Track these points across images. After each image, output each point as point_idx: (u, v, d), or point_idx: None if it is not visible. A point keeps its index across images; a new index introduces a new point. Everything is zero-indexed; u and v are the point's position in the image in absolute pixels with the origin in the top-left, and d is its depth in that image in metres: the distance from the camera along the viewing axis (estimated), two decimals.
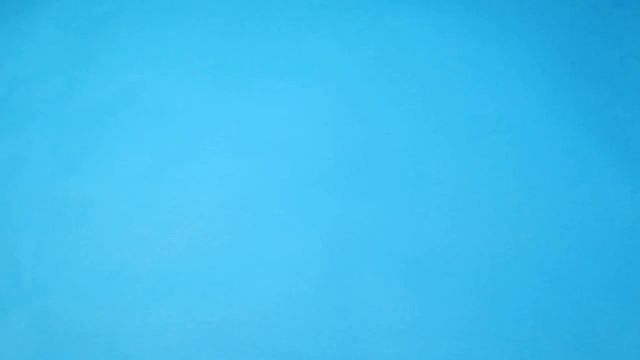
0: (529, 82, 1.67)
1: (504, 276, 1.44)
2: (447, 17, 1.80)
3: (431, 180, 1.57)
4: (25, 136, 1.77)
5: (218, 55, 1.83)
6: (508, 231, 1.49)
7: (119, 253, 1.57)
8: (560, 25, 1.74)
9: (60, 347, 1.46)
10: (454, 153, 1.60)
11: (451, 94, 1.68)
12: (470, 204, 1.53)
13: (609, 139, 1.57)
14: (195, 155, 1.68)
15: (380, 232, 1.52)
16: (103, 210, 1.63)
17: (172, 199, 1.63)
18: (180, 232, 1.58)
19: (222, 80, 1.79)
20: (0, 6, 2.02)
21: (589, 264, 1.44)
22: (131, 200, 1.64)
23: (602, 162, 1.54)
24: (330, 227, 1.54)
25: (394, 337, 1.40)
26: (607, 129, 1.58)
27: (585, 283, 1.42)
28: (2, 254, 1.60)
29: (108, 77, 1.83)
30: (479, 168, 1.57)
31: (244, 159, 1.66)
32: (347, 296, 1.46)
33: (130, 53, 1.87)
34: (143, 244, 1.57)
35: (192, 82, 1.80)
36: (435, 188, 1.56)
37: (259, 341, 1.43)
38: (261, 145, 1.67)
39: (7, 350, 1.47)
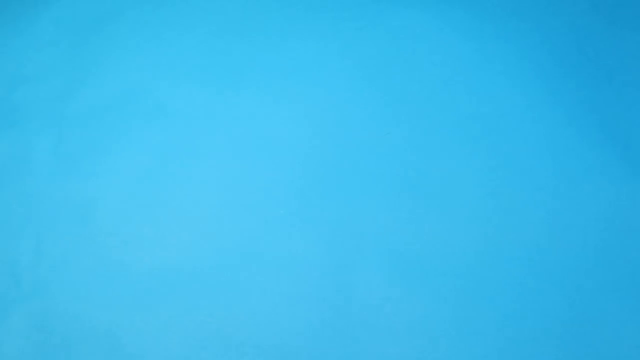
0: (529, 81, 1.67)
1: (505, 275, 1.44)
2: (446, 18, 1.79)
3: (431, 180, 1.57)
4: (25, 136, 1.77)
5: (218, 55, 1.83)
6: (508, 231, 1.49)
7: (119, 253, 1.57)
8: (560, 25, 1.74)
9: (60, 347, 1.46)
10: (454, 153, 1.60)
11: (451, 94, 1.68)
12: (470, 204, 1.53)
13: (609, 138, 1.57)
14: (195, 156, 1.68)
15: (380, 232, 1.52)
16: (103, 210, 1.63)
17: (172, 199, 1.63)
18: (180, 232, 1.58)
19: (222, 80, 1.79)
20: (0, 6, 2.02)
21: (589, 263, 1.44)
22: (131, 200, 1.64)
23: (602, 161, 1.54)
24: (330, 226, 1.54)
25: (394, 337, 1.40)
26: (608, 128, 1.58)
27: (585, 283, 1.42)
28: (2, 254, 1.60)
29: (108, 78, 1.83)
30: (478, 168, 1.57)
31: (244, 159, 1.66)
32: (347, 296, 1.46)
33: (130, 53, 1.87)
34: (143, 244, 1.57)
35: (192, 82, 1.80)
36: (435, 188, 1.56)
37: (259, 341, 1.43)
38: (261, 145, 1.67)
39: (7, 350, 1.47)
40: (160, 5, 1.94)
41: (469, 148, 1.60)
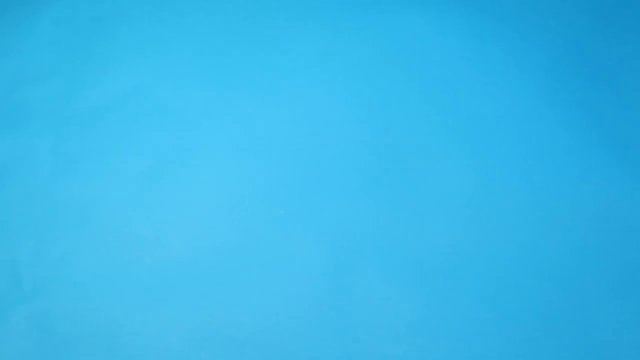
0: (529, 81, 1.67)
1: (505, 276, 1.45)
2: (447, 16, 1.80)
3: (432, 180, 1.57)
4: (25, 136, 1.77)
5: (218, 54, 1.83)
6: (508, 231, 1.49)
7: (119, 253, 1.57)
8: (561, 24, 1.74)
9: (60, 346, 1.46)
10: (455, 152, 1.60)
11: (452, 93, 1.68)
12: (470, 204, 1.53)
13: (610, 138, 1.57)
14: (195, 155, 1.68)
15: (382, 233, 1.52)
16: (103, 210, 1.63)
17: (172, 199, 1.63)
18: (180, 232, 1.58)
19: (223, 80, 1.79)
20: (0, 6, 2.01)
21: (589, 263, 1.44)
22: (131, 200, 1.64)
23: (603, 161, 1.54)
24: (330, 226, 1.54)
25: (396, 338, 1.40)
26: (608, 128, 1.58)
27: (585, 283, 1.42)
28: (2, 254, 1.60)
29: (108, 77, 1.83)
30: (479, 167, 1.58)
31: (244, 159, 1.66)
32: (349, 297, 1.46)
33: (130, 53, 1.87)
34: (143, 244, 1.57)
35: (192, 82, 1.80)
36: (436, 188, 1.56)
37: (260, 341, 1.43)
38: (262, 145, 1.67)
39: (7, 350, 1.47)
40: (160, 5, 1.94)
41: (468, 148, 1.61)
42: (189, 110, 1.75)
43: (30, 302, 1.53)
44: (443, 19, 1.79)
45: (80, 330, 1.47)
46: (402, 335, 1.40)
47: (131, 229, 1.60)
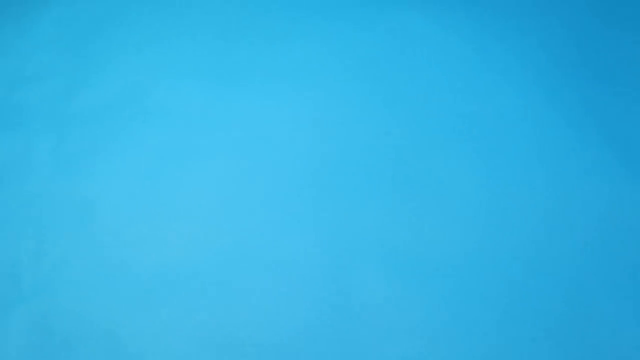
0: (532, 80, 1.67)
1: (506, 275, 1.45)
2: (449, 15, 1.80)
3: (433, 179, 1.57)
4: (25, 136, 1.77)
5: (218, 55, 1.83)
6: (507, 231, 1.49)
7: (119, 253, 1.57)
8: (561, 24, 1.74)
9: (60, 347, 1.46)
10: (453, 153, 1.60)
11: (450, 94, 1.68)
12: (469, 204, 1.53)
13: (613, 137, 1.57)
14: (195, 156, 1.68)
15: (379, 232, 1.52)
16: (103, 210, 1.63)
17: (172, 199, 1.63)
18: (180, 232, 1.58)
19: (222, 80, 1.79)
20: (0, 6, 2.02)
21: (587, 264, 1.44)
22: (131, 200, 1.64)
23: (606, 160, 1.54)
24: (330, 226, 1.54)
25: (394, 337, 1.40)
26: (611, 127, 1.58)
27: (584, 283, 1.42)
28: (2, 254, 1.60)
29: (108, 77, 1.83)
30: (477, 168, 1.58)
31: (244, 159, 1.66)
32: (347, 296, 1.46)
33: (130, 53, 1.87)
34: (143, 244, 1.57)
35: (192, 82, 1.80)
36: (437, 187, 1.56)
37: (260, 341, 1.43)
38: (261, 145, 1.67)
39: (7, 350, 1.47)
40: (160, 5, 1.94)
41: (468, 148, 1.61)
42: (188, 111, 1.75)
43: (30, 302, 1.53)
44: (445, 18, 1.79)
45: (80, 331, 1.47)
46: (402, 335, 1.40)
47: (131, 229, 1.60)
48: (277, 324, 1.44)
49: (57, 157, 1.72)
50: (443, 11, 1.81)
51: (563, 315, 1.39)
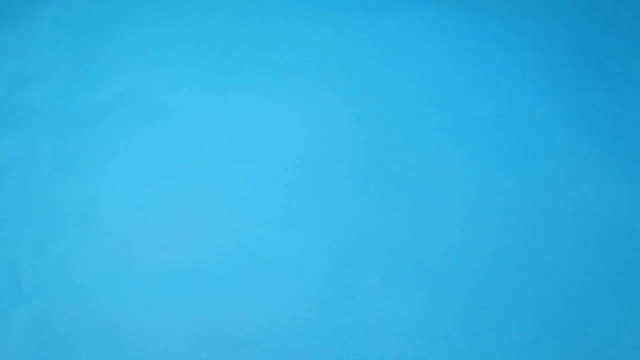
0: (529, 81, 1.67)
1: (505, 276, 1.45)
2: (447, 16, 1.80)
3: (432, 180, 1.57)
4: (25, 136, 1.77)
5: (218, 54, 1.83)
6: (508, 231, 1.49)
7: (119, 253, 1.57)
8: (561, 25, 1.74)
9: (60, 347, 1.46)
10: (455, 152, 1.60)
11: (452, 93, 1.68)
12: (469, 204, 1.53)
13: (609, 138, 1.57)
14: (195, 156, 1.68)
15: (379, 232, 1.52)
16: (103, 210, 1.63)
17: (172, 199, 1.63)
18: (180, 232, 1.58)
19: (222, 80, 1.79)
20: (0, 6, 2.02)
21: (589, 263, 1.44)
22: (131, 200, 1.64)
23: (602, 161, 1.55)
24: (330, 226, 1.54)
25: (396, 339, 1.40)
26: (609, 128, 1.58)
27: (585, 283, 1.42)
28: (2, 254, 1.60)
29: (108, 77, 1.83)
30: (477, 168, 1.58)
31: (244, 160, 1.66)
32: (349, 297, 1.46)
33: (130, 53, 1.87)
34: (143, 244, 1.57)
35: (192, 83, 1.80)
36: (435, 188, 1.56)
37: (260, 341, 1.43)
38: (261, 145, 1.68)
39: (7, 350, 1.47)
40: (160, 5, 1.94)
41: (467, 149, 1.61)
42: (188, 111, 1.75)
43: (30, 302, 1.53)
44: (443, 19, 1.79)
45: (80, 330, 1.47)
46: (402, 335, 1.40)
47: (131, 229, 1.60)
48: (277, 323, 1.44)
49: (57, 157, 1.72)
50: (440, 13, 1.81)
51: (562, 315, 1.39)
